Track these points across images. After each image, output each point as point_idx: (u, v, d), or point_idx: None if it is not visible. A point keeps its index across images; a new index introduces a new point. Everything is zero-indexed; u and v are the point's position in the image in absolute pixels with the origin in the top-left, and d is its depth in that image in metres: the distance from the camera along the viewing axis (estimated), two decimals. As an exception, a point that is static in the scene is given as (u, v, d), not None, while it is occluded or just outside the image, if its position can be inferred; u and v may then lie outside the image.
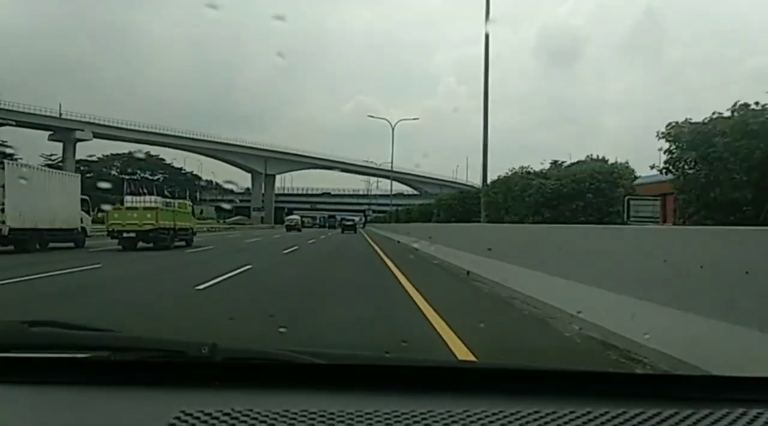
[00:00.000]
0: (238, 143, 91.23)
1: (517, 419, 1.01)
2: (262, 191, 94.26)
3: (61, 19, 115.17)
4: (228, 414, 1.00)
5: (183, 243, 22.37)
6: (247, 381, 1.16)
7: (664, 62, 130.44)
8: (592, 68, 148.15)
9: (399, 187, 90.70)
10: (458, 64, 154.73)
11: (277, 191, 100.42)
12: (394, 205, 69.90)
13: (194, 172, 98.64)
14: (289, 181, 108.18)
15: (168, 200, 24.05)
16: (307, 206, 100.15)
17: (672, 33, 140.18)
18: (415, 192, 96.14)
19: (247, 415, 0.99)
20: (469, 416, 1.01)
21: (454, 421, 1.00)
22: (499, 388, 1.15)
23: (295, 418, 0.99)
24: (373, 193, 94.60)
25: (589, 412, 1.03)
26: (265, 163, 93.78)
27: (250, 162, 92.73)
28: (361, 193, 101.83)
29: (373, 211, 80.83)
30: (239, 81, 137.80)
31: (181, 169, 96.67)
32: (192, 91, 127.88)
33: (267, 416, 0.99)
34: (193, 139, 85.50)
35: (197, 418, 0.99)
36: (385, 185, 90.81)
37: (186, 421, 0.98)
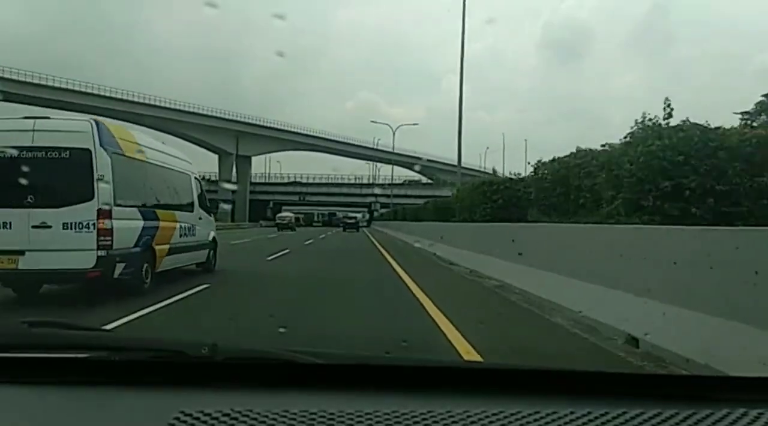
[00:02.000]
0: (195, 111, 66.84)
1: (517, 419, 1.01)
2: (233, 178, 71.32)
3: (53, 15, 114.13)
4: (228, 414, 1.00)
5: None
6: (247, 381, 1.16)
7: (671, 58, 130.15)
8: (598, 64, 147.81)
9: (408, 174, 76.53)
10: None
11: (254, 179, 78.52)
12: (408, 196, 56.94)
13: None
14: (276, 166, 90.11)
15: None
16: (295, 198, 78.30)
17: (678, 29, 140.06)
18: (429, 181, 77.69)
19: (247, 415, 0.99)
20: (469, 416, 1.01)
21: (454, 422, 1.00)
22: (499, 388, 1.15)
23: (294, 418, 0.99)
24: (380, 182, 74.72)
25: (589, 413, 1.03)
26: (236, 139, 71.02)
27: (216, 138, 69.42)
28: (364, 181, 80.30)
29: (381, 205, 64.31)
30: (238, 80, 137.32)
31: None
32: (190, 89, 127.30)
33: (267, 416, 0.99)
34: (133, 103, 61.83)
35: (197, 418, 0.99)
36: (395, 173, 73.88)
37: (186, 421, 0.98)
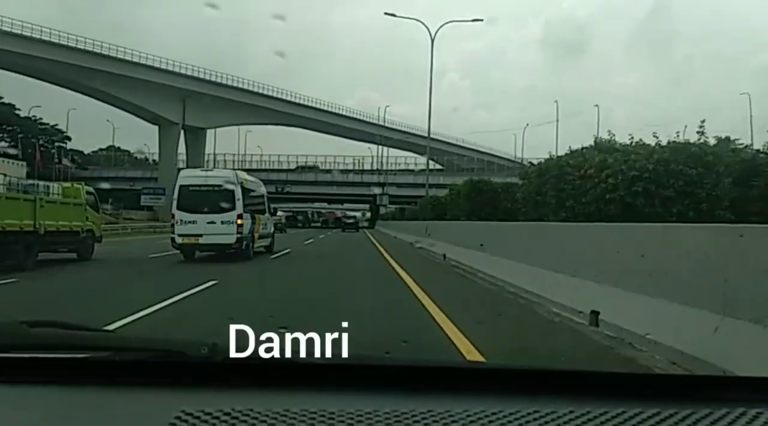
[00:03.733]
0: (120, 57, 48.42)
1: (517, 419, 1.01)
2: (176, 160, 50.30)
3: (56, 17, 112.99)
4: (228, 414, 1.00)
5: (74, 255, 14.73)
6: (247, 381, 1.16)
7: (672, 58, 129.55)
8: (598, 63, 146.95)
9: (409, 161, 64.73)
10: (461, 60, 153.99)
11: (214, 162, 54.01)
12: (429, 186, 34.03)
13: (57, 126, 56.01)
14: (256, 149, 67.36)
15: (29, 181, 15.00)
16: (271, 189, 45.61)
17: (680, 28, 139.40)
18: (440, 167, 63.35)
19: (247, 415, 1.00)
20: (468, 416, 1.01)
21: (453, 421, 1.00)
22: (499, 388, 1.15)
23: (295, 418, 0.99)
24: (388, 168, 59.86)
25: (588, 412, 1.03)
26: (183, 103, 50.23)
27: (154, 102, 49.16)
28: (366, 167, 61.83)
29: (390, 197, 51.49)
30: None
31: (35, 119, 53.76)
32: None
33: (267, 416, 0.99)
34: (28, 39, 44.47)
35: (197, 418, 0.99)
36: (398, 161, 61.82)
37: (186, 421, 0.98)
